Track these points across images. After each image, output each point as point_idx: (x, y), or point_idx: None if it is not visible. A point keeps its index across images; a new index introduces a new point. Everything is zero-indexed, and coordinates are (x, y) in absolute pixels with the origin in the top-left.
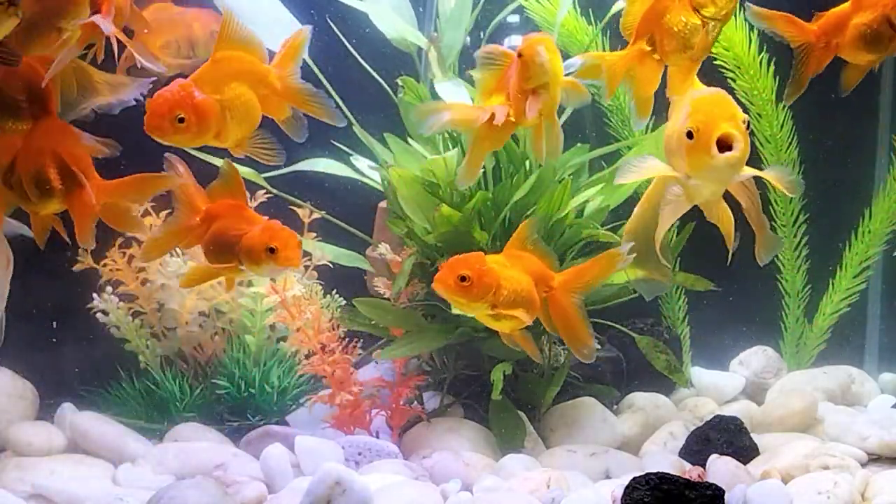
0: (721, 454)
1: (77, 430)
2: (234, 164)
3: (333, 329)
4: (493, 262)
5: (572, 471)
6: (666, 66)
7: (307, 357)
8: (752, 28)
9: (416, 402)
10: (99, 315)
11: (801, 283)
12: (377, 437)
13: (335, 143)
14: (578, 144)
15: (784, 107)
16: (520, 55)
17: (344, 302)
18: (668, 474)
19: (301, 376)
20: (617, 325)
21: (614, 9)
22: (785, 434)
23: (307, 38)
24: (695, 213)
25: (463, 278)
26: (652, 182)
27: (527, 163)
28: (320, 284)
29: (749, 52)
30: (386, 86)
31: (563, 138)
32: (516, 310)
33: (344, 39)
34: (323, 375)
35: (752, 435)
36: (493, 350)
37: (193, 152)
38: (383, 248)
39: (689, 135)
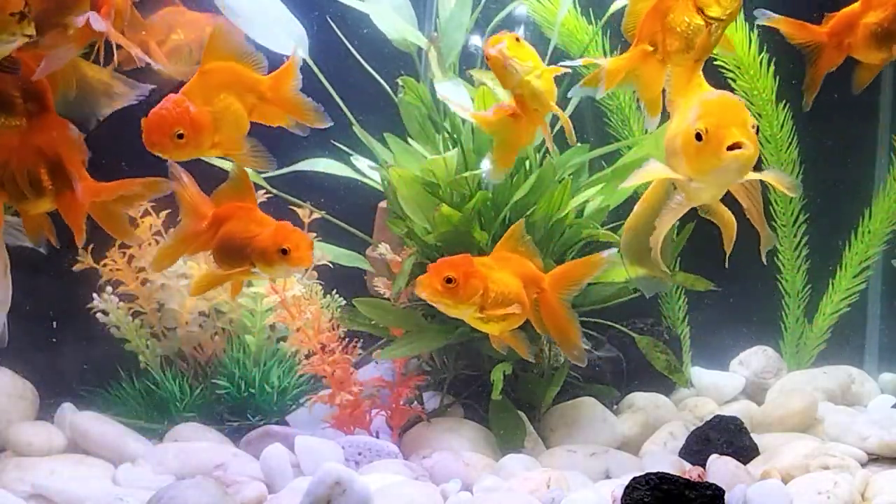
0: (721, 454)
1: (77, 430)
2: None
3: (333, 329)
4: (481, 264)
5: (572, 471)
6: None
7: (307, 357)
8: (752, 28)
9: (416, 402)
10: (99, 315)
11: (801, 283)
12: (377, 437)
13: (335, 143)
14: (578, 144)
15: (784, 106)
16: (488, 59)
17: (344, 302)
18: (668, 474)
19: (301, 376)
20: (617, 325)
21: (613, 8)
22: (785, 434)
23: (300, 61)
24: (695, 214)
25: (449, 280)
26: (652, 182)
27: (527, 163)
28: (320, 284)
29: (749, 53)
30: (386, 86)
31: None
32: (505, 311)
33: (344, 39)
34: (323, 375)
35: (752, 435)
36: (493, 350)
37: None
38: (383, 248)
39: (699, 136)
